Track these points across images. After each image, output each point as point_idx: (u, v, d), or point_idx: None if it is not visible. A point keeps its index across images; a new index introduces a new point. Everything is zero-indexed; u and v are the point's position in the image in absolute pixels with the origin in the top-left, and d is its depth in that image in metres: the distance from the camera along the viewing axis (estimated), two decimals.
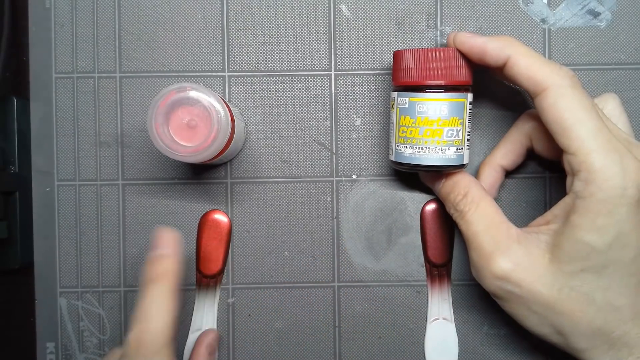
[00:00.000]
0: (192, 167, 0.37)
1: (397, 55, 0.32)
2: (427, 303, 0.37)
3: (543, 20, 0.37)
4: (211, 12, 0.37)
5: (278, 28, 0.37)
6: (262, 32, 0.37)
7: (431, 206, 0.37)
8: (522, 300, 0.28)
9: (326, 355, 0.37)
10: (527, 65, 0.29)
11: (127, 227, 0.37)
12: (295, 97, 0.37)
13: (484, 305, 0.37)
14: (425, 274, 0.37)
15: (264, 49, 0.37)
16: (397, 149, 0.32)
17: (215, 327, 0.37)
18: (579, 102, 0.27)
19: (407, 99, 0.31)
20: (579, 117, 0.27)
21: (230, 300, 0.37)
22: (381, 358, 0.37)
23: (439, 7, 0.37)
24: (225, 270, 0.37)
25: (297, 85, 0.37)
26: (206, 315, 0.37)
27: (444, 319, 0.37)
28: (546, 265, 0.28)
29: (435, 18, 0.37)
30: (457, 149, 0.31)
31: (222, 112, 0.29)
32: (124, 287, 0.37)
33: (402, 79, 0.31)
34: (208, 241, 0.37)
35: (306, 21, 0.37)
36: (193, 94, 0.29)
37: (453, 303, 0.37)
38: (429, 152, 0.31)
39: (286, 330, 0.37)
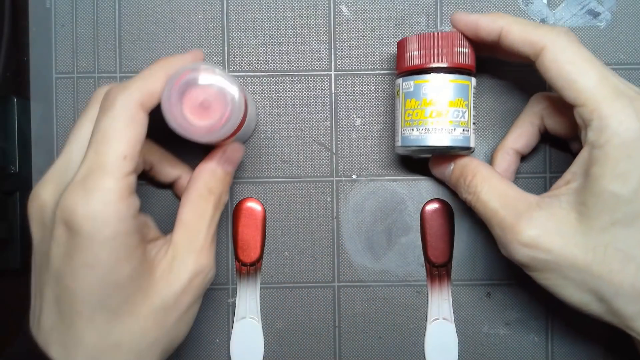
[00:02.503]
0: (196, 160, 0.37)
1: (400, 43, 0.32)
2: (427, 303, 0.37)
3: (543, 21, 0.37)
4: (211, 12, 0.37)
5: (278, 28, 0.37)
6: (262, 32, 0.37)
7: (431, 206, 0.37)
8: (555, 267, 0.27)
9: (326, 355, 0.37)
10: (521, 30, 0.29)
11: None
12: (295, 97, 0.37)
13: (484, 305, 0.37)
14: (425, 274, 0.37)
15: (264, 49, 0.37)
16: (403, 133, 0.32)
17: (259, 315, 0.37)
18: (579, 54, 0.27)
19: (412, 82, 0.31)
20: (582, 68, 0.27)
21: (231, 300, 0.37)
22: (381, 358, 0.37)
23: (438, 7, 0.37)
24: (262, 257, 0.37)
25: (297, 86, 0.37)
26: (249, 303, 0.37)
27: (444, 319, 0.37)
28: (574, 225, 0.27)
29: (435, 18, 0.37)
30: (463, 130, 0.31)
31: (236, 92, 0.29)
32: None
33: (407, 64, 0.32)
34: (244, 229, 0.37)
35: (306, 21, 0.37)
36: (207, 73, 0.29)
37: (453, 303, 0.37)
38: (436, 133, 0.31)
39: (286, 330, 0.37)
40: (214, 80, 0.30)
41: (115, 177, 0.25)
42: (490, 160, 0.35)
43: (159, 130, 0.37)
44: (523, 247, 0.27)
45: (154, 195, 0.37)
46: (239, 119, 0.30)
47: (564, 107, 0.31)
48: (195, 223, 0.29)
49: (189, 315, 0.29)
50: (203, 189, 0.30)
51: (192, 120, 0.30)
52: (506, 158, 0.34)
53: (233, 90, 0.29)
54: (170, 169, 0.34)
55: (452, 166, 0.33)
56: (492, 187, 0.30)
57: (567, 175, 0.29)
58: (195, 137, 0.29)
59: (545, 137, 0.35)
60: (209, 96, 0.30)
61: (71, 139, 0.29)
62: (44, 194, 0.28)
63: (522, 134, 0.34)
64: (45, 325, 0.26)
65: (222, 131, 0.29)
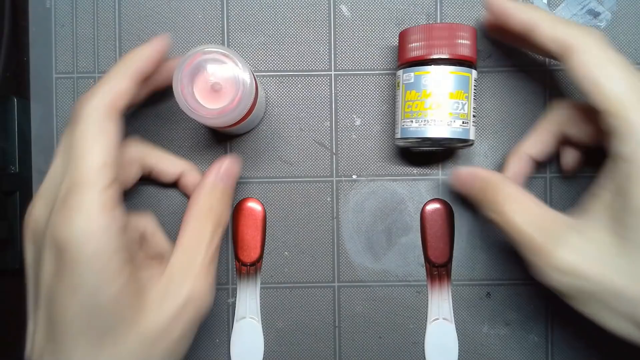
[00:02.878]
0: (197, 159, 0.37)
1: (402, 34, 0.32)
2: (427, 303, 0.37)
3: None
4: (211, 12, 0.37)
5: (278, 28, 0.37)
6: (262, 32, 0.37)
7: (431, 206, 0.37)
8: (595, 295, 0.25)
9: (326, 355, 0.37)
10: (551, 27, 0.28)
11: None
12: (295, 97, 0.37)
13: (484, 305, 0.37)
14: (425, 274, 0.37)
15: (264, 49, 0.37)
16: (402, 125, 0.32)
17: (259, 315, 0.37)
18: (608, 57, 0.26)
19: (412, 74, 0.31)
20: (610, 72, 0.26)
21: (231, 300, 0.37)
22: (381, 358, 0.37)
23: (438, 7, 0.37)
24: (262, 257, 0.37)
25: (297, 86, 0.37)
26: (249, 303, 0.37)
27: (444, 319, 0.37)
28: (614, 248, 0.25)
29: (435, 18, 0.37)
30: (462, 122, 0.31)
31: (247, 75, 0.29)
32: None
33: (407, 56, 0.32)
34: (245, 229, 0.37)
35: (306, 21, 0.37)
36: (219, 56, 0.29)
37: (453, 303, 0.37)
38: (435, 125, 0.31)
39: (286, 330, 0.37)
40: (225, 63, 0.30)
41: (96, 189, 0.25)
42: (499, 164, 0.35)
43: (153, 131, 0.37)
44: (561, 274, 0.26)
45: (155, 195, 0.37)
46: (249, 103, 0.30)
47: (589, 114, 0.30)
48: (193, 244, 0.28)
49: (179, 349, 0.27)
50: (202, 206, 0.29)
51: (203, 103, 0.30)
52: (518, 163, 0.33)
53: (244, 74, 0.29)
54: (170, 168, 0.34)
55: (471, 180, 0.32)
56: (519, 204, 0.28)
57: (597, 189, 0.27)
58: (206, 120, 0.29)
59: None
60: (220, 79, 0.30)
61: (58, 150, 0.28)
62: (36, 212, 0.27)
63: (538, 140, 0.33)
64: (38, 346, 0.26)
65: (233, 114, 0.29)
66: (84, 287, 0.24)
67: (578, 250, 0.25)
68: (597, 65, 0.26)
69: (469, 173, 0.32)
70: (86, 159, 0.25)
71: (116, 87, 0.27)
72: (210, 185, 0.29)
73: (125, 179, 0.32)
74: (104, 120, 0.26)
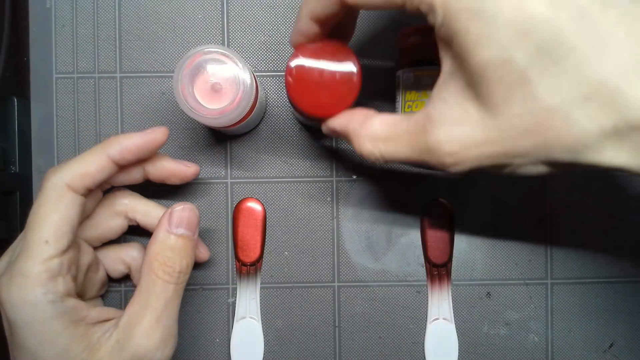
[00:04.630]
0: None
1: (402, 34, 0.32)
2: (427, 303, 0.37)
3: None
4: (211, 12, 0.37)
5: (278, 28, 0.37)
6: (262, 32, 0.37)
7: (431, 206, 0.37)
8: (492, 163, 0.23)
9: (326, 355, 0.37)
10: None
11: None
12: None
13: (484, 305, 0.37)
14: (425, 274, 0.37)
15: (264, 49, 0.37)
16: None
17: (259, 315, 0.37)
18: None
19: (411, 74, 0.31)
20: None
21: (231, 300, 0.37)
22: (381, 358, 0.37)
23: None
24: (262, 257, 0.37)
25: None
26: (249, 303, 0.37)
27: (444, 319, 0.37)
28: (477, 116, 0.23)
29: None
30: None
31: (247, 76, 0.29)
32: (124, 287, 0.37)
33: (408, 57, 0.32)
34: (244, 229, 0.37)
35: None
36: (219, 56, 0.29)
37: (453, 303, 0.37)
38: None
39: (286, 330, 0.37)
40: (225, 63, 0.30)
41: (36, 262, 0.26)
42: None
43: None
44: (456, 165, 0.24)
45: (155, 195, 0.37)
46: (249, 103, 0.30)
47: None
48: (142, 300, 0.27)
49: None
50: (151, 261, 0.28)
51: (203, 103, 0.30)
52: (305, 27, 0.28)
53: (244, 74, 0.29)
54: (156, 221, 0.32)
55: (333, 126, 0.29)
56: (389, 136, 0.26)
57: (440, 74, 0.25)
58: (206, 120, 0.29)
59: None
60: (220, 79, 0.30)
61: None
62: (0, 267, 0.28)
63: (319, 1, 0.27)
64: None
65: (233, 114, 0.29)
66: (26, 348, 0.26)
67: (452, 138, 0.23)
68: None
69: (331, 130, 0.29)
70: (34, 231, 0.26)
71: (83, 167, 0.28)
72: (162, 236, 0.29)
73: (110, 231, 0.33)
74: (61, 198, 0.27)
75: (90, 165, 0.28)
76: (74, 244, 0.28)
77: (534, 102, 0.21)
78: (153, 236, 0.29)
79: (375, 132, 0.26)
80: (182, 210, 0.29)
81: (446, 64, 0.24)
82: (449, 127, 0.23)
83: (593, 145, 0.21)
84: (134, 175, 0.32)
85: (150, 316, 0.27)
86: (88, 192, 0.29)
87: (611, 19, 0.20)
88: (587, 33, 0.20)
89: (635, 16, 0.20)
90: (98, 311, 0.28)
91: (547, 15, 0.20)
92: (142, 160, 0.31)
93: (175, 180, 0.33)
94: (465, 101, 0.23)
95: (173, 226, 0.29)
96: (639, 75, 0.20)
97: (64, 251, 0.27)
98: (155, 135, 0.30)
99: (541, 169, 0.23)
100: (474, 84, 0.22)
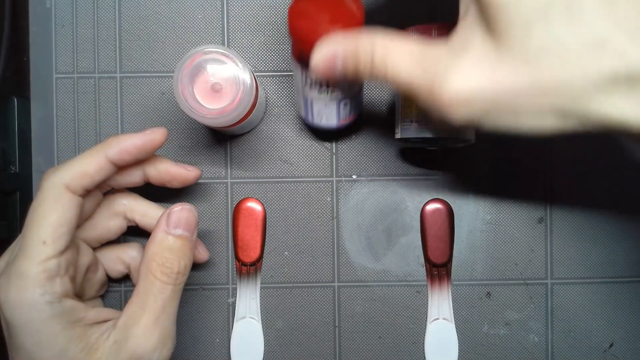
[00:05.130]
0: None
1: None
2: (427, 303, 0.37)
3: None
4: (211, 12, 0.37)
5: (278, 28, 0.37)
6: (262, 32, 0.37)
7: (431, 206, 0.37)
8: (501, 106, 0.23)
9: (326, 355, 0.37)
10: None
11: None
12: (295, 96, 0.37)
13: (484, 305, 0.37)
14: (425, 274, 0.37)
15: (264, 49, 0.37)
16: (402, 125, 0.32)
17: (259, 315, 0.37)
18: None
19: None
20: None
21: (231, 300, 0.37)
22: (381, 358, 0.37)
23: (439, 7, 0.37)
24: (262, 257, 0.37)
25: None
26: (249, 303, 0.37)
27: (444, 319, 0.37)
28: (493, 55, 0.22)
29: (434, 18, 0.37)
30: None
31: (247, 76, 0.29)
32: (124, 287, 0.37)
33: None
34: (244, 229, 0.37)
35: None
36: (219, 56, 0.29)
37: (453, 303, 0.37)
38: (435, 124, 0.31)
39: (286, 330, 0.37)
40: (225, 63, 0.30)
41: (34, 262, 0.26)
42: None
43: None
44: (460, 108, 0.23)
45: (155, 195, 0.37)
46: (249, 103, 0.30)
47: None
48: (140, 301, 0.27)
49: None
50: (149, 262, 0.28)
51: (203, 103, 0.30)
52: None
53: (244, 74, 0.29)
54: (154, 221, 0.32)
55: (339, 54, 0.26)
56: (401, 56, 0.25)
57: (462, 9, 0.24)
58: (206, 120, 0.29)
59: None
60: (220, 79, 0.30)
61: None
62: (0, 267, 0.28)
63: None
64: None
65: (233, 114, 0.29)
66: (24, 349, 0.26)
67: (464, 77, 0.23)
68: None
69: (330, 54, 0.26)
70: (32, 232, 0.26)
71: (81, 168, 0.28)
72: (160, 237, 0.28)
73: (109, 232, 0.33)
74: (59, 198, 0.27)
75: (89, 165, 0.28)
76: (72, 245, 0.28)
77: (550, 39, 0.21)
78: (151, 237, 0.29)
79: (391, 45, 0.25)
80: (181, 211, 0.29)
81: (464, 5, 0.24)
82: (464, 65, 0.23)
83: (603, 90, 0.21)
84: (135, 178, 0.32)
85: (147, 317, 0.27)
86: (86, 193, 0.29)
87: None
88: None
89: None
90: (96, 312, 0.28)
91: None
92: (140, 161, 0.31)
93: (176, 184, 0.33)
94: (484, 34, 0.22)
95: (171, 227, 0.28)
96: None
97: (62, 252, 0.27)
98: (154, 136, 0.30)
99: (547, 123, 0.22)
100: (492, 19, 0.22)
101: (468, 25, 0.23)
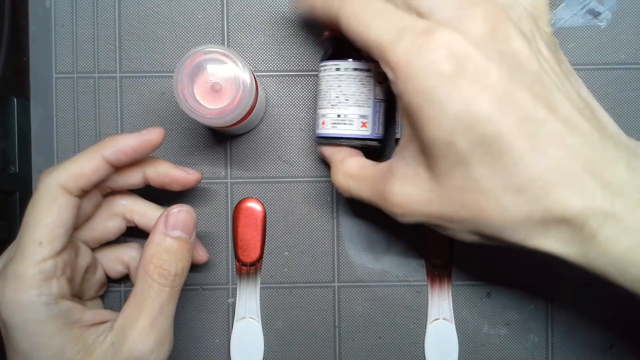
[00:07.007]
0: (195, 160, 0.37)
1: None
2: (427, 303, 0.37)
3: None
4: (211, 12, 0.37)
5: (278, 28, 0.37)
6: (262, 32, 0.37)
7: None
8: (434, 222, 0.27)
9: (326, 355, 0.37)
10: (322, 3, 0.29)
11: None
12: (295, 96, 0.37)
13: (484, 305, 0.37)
14: (425, 274, 0.37)
15: (264, 49, 0.37)
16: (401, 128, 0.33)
17: (259, 315, 0.37)
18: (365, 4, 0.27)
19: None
20: (369, 20, 0.26)
21: (230, 300, 0.37)
22: (381, 358, 0.37)
23: None
24: (262, 257, 0.37)
25: (297, 85, 0.37)
26: (249, 303, 0.37)
27: (444, 319, 0.37)
28: (426, 179, 0.26)
29: None
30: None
31: (247, 76, 0.29)
32: (124, 287, 0.37)
33: None
34: (244, 229, 0.37)
35: (306, 21, 0.37)
36: (219, 56, 0.29)
37: (453, 303, 0.37)
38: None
39: (286, 330, 0.37)
40: (225, 63, 0.30)
41: (30, 264, 0.26)
42: None
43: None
44: (403, 216, 0.27)
45: (155, 196, 0.37)
46: (249, 103, 0.30)
47: None
48: (137, 303, 0.27)
49: None
50: (147, 264, 0.28)
51: (203, 103, 0.30)
52: None
53: (244, 74, 0.29)
54: (152, 222, 0.32)
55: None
56: (354, 179, 0.30)
57: (402, 129, 0.28)
58: (206, 120, 0.29)
59: None
60: (220, 79, 0.30)
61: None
62: None
63: None
64: None
65: (233, 114, 0.29)
66: (20, 350, 0.26)
67: (403, 192, 0.27)
68: (354, 16, 0.26)
69: (320, 152, 0.33)
70: (28, 233, 0.26)
71: (78, 168, 0.28)
72: (157, 238, 0.28)
73: (108, 233, 0.33)
74: (55, 199, 0.27)
75: (85, 166, 0.28)
76: (69, 246, 0.28)
77: (471, 182, 0.24)
78: (149, 238, 0.28)
79: (349, 170, 0.31)
80: (179, 213, 0.29)
81: (405, 129, 0.27)
82: (402, 183, 0.27)
83: (522, 230, 0.24)
84: (135, 180, 0.32)
85: (144, 319, 0.27)
86: (83, 194, 0.29)
87: (551, 127, 0.23)
88: (526, 136, 0.23)
89: (572, 126, 0.24)
90: (93, 313, 0.28)
91: (492, 115, 0.23)
92: (139, 162, 0.31)
93: (176, 187, 0.32)
94: (419, 165, 0.26)
95: (169, 228, 0.28)
96: (567, 178, 0.23)
97: (59, 253, 0.27)
98: (150, 136, 0.30)
99: (475, 238, 0.26)
100: (426, 153, 0.25)
101: (410, 146, 0.26)
